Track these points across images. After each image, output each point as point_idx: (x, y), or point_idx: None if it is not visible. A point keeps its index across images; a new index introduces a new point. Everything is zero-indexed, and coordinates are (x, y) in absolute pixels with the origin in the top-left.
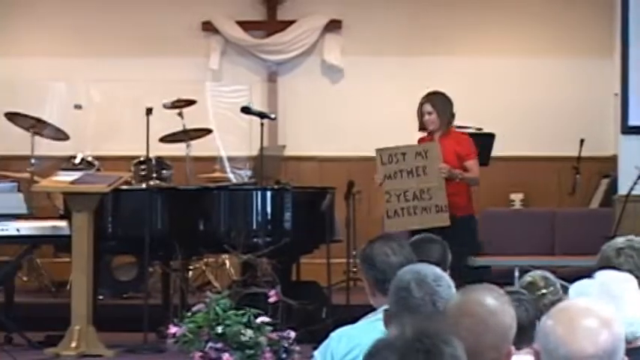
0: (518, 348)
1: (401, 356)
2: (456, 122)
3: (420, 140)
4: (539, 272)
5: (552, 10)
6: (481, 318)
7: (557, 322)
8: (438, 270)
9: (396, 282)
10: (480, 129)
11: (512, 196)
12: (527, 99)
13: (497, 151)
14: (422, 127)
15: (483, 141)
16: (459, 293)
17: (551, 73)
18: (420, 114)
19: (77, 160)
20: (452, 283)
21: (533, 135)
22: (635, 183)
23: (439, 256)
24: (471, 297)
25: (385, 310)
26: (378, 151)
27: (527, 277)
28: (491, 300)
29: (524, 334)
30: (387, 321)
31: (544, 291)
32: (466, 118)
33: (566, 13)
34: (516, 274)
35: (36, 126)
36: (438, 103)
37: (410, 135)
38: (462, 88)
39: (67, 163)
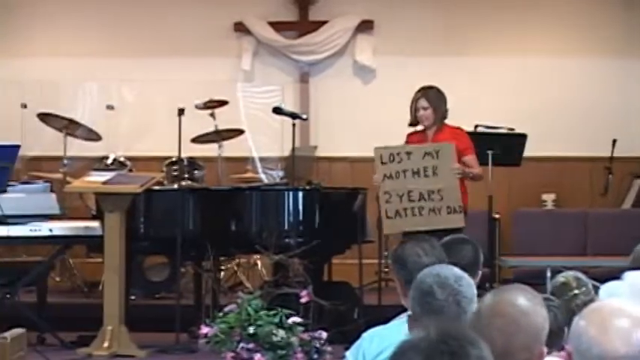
0: (548, 353)
1: (426, 358)
2: (489, 122)
3: (410, 136)
4: (571, 273)
5: (585, 9)
6: (513, 318)
7: (589, 323)
8: (457, 270)
9: (418, 286)
10: (511, 129)
11: (545, 197)
12: (560, 99)
13: (529, 151)
14: (414, 123)
15: (515, 141)
16: (492, 293)
17: (583, 72)
18: (415, 109)
19: (109, 161)
20: (472, 282)
21: (565, 135)
22: None
23: (471, 257)
24: (504, 297)
25: (409, 316)
26: (378, 149)
27: (560, 278)
28: (524, 300)
29: (553, 340)
30: (412, 325)
31: (576, 291)
32: (498, 118)
33: (600, 13)
34: (548, 274)
35: (69, 127)
36: (434, 97)
37: None
38: (495, 88)
39: (99, 163)
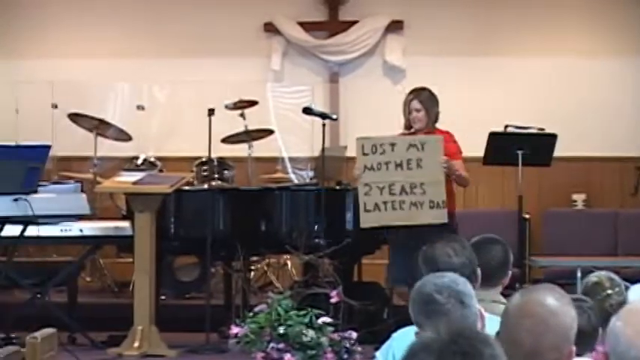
0: (578, 354)
1: (438, 358)
2: (519, 122)
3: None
4: (604, 273)
5: (615, 9)
6: (542, 318)
7: (627, 324)
8: (448, 273)
9: (417, 299)
10: (541, 129)
11: (575, 197)
12: (590, 99)
13: (559, 151)
14: (408, 125)
15: (545, 141)
16: (520, 294)
17: (614, 72)
18: (407, 111)
19: (140, 161)
20: (465, 280)
21: (595, 135)
22: None
23: (501, 257)
24: (532, 297)
25: (416, 333)
26: (360, 140)
27: (593, 278)
28: (552, 300)
29: (586, 341)
30: None
31: (609, 292)
32: (528, 118)
33: (630, 13)
34: (578, 274)
35: (99, 127)
36: (426, 100)
37: (472, 136)
38: (525, 89)
39: (129, 163)
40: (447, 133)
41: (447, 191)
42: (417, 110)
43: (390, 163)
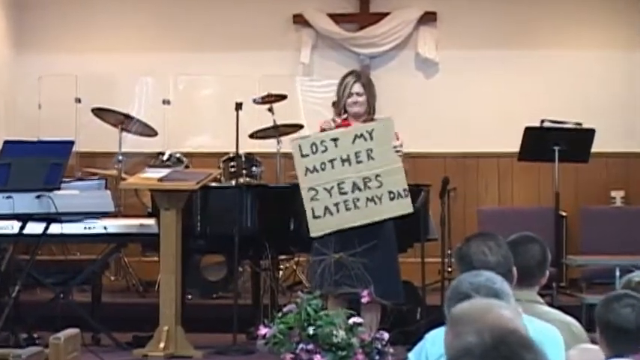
0: (620, 355)
1: None
2: (554, 117)
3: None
4: None
5: None
6: None
7: None
8: (484, 271)
9: (453, 298)
10: (579, 124)
11: (613, 194)
12: (629, 93)
13: (596, 147)
14: (341, 111)
15: (583, 137)
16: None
17: None
18: (345, 94)
19: (165, 157)
20: (501, 277)
21: (634, 130)
22: None
23: (539, 256)
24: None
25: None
26: (295, 141)
27: (636, 278)
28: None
29: (635, 339)
30: None
31: None
32: (565, 113)
33: None
34: (617, 273)
35: (124, 122)
36: (368, 84)
37: (507, 131)
38: (562, 82)
39: (155, 159)
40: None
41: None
42: (359, 94)
43: (335, 161)
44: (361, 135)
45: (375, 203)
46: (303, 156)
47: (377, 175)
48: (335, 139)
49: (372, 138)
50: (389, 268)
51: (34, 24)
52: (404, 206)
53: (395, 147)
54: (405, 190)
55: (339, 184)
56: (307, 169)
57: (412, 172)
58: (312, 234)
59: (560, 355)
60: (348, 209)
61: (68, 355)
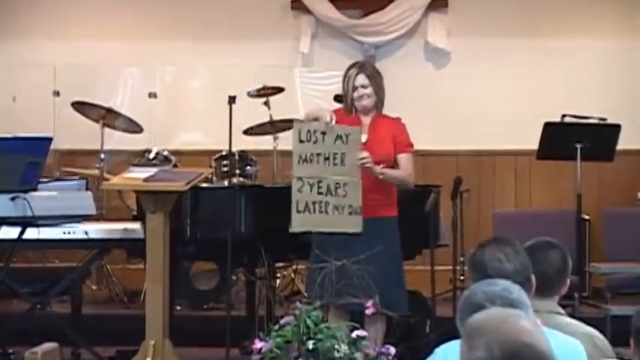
0: None
1: None
2: (576, 112)
3: (336, 112)
4: None
5: None
6: None
7: None
8: (500, 280)
9: (466, 310)
10: (603, 119)
11: None
12: None
13: (622, 144)
14: (350, 107)
15: (607, 133)
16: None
17: None
18: (350, 89)
19: (152, 155)
20: (519, 287)
21: None
22: None
23: (559, 264)
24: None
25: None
26: (297, 123)
27: None
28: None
29: None
30: None
31: None
32: (587, 107)
33: None
34: None
35: (106, 117)
36: (374, 75)
37: (524, 126)
38: (584, 74)
39: (140, 158)
40: (398, 120)
41: (390, 191)
42: (364, 86)
43: (320, 156)
44: (340, 136)
45: (339, 213)
46: (300, 141)
47: (344, 184)
48: (324, 133)
49: (347, 142)
50: (395, 276)
51: (7, 9)
52: (355, 224)
53: (362, 159)
54: (360, 207)
55: (318, 182)
56: (300, 157)
57: (421, 171)
58: (292, 229)
59: None
60: (320, 212)
61: None
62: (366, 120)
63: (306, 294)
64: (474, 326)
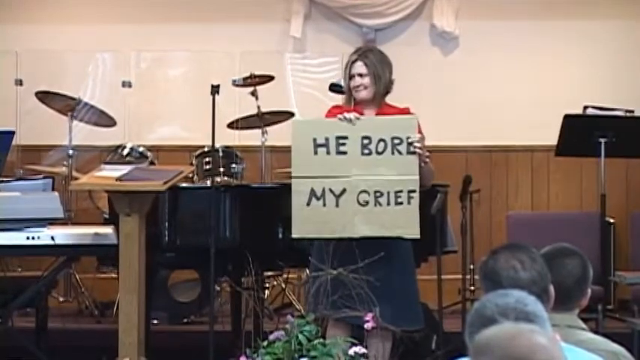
0: None
1: None
2: (600, 103)
3: (334, 109)
4: None
5: None
6: None
7: None
8: (514, 291)
9: (476, 324)
10: (630, 111)
11: None
12: None
13: None
14: (349, 98)
15: (635, 126)
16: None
17: None
18: (347, 75)
19: (126, 151)
20: (535, 298)
21: None
22: None
23: (579, 273)
24: None
25: None
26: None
27: None
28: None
29: None
30: None
31: None
32: (609, 97)
33: None
34: None
35: (75, 108)
36: (374, 61)
37: (541, 119)
38: (608, 60)
39: (113, 154)
40: (406, 110)
41: None
42: (360, 75)
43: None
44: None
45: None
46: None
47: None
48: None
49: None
50: (403, 287)
51: None
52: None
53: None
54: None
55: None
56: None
57: None
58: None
59: None
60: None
61: None
62: (369, 112)
63: (298, 306)
64: (483, 343)
